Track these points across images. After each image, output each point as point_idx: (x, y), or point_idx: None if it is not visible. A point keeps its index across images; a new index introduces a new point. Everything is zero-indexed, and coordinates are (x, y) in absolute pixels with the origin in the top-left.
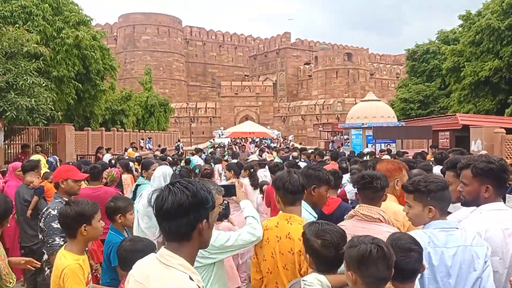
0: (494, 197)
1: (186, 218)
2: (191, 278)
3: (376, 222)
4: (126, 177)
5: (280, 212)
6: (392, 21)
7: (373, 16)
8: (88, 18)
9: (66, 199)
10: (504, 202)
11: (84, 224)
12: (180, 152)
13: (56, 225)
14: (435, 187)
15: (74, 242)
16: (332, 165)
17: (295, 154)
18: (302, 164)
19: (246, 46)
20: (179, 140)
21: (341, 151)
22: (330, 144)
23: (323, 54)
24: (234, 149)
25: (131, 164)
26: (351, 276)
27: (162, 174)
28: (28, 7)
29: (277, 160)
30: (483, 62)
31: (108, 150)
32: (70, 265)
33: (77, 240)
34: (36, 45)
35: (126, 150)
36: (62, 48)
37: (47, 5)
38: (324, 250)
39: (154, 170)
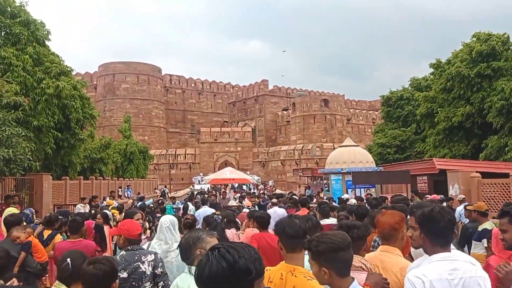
0: (430, 246)
1: (227, 284)
2: None
3: (358, 270)
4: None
5: (282, 262)
6: (363, 67)
7: (344, 62)
8: (68, 69)
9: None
10: (469, 249)
11: None
12: (160, 201)
13: None
14: (325, 248)
15: None
16: (302, 211)
17: (274, 200)
18: (281, 211)
19: (225, 93)
20: (165, 186)
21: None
22: (307, 190)
23: (301, 101)
24: (215, 193)
25: (109, 213)
26: None
27: (171, 223)
28: (7, 58)
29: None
30: (455, 108)
31: (83, 199)
32: None
33: None
34: (15, 96)
35: (104, 199)
36: (42, 98)
37: (27, 56)
38: None
39: (138, 219)
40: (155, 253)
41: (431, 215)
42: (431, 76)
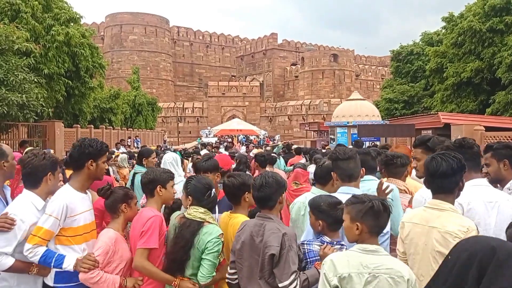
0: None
1: (454, 177)
2: None
3: (401, 193)
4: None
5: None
6: (367, 21)
7: (347, 15)
8: (78, 16)
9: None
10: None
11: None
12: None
13: None
14: (333, 157)
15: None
16: (297, 158)
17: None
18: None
19: (233, 47)
20: (165, 142)
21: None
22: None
23: (310, 55)
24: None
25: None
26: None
27: (173, 159)
28: (16, 4)
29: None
30: (465, 63)
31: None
32: None
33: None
34: (26, 43)
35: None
36: (53, 45)
37: (36, 2)
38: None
39: (154, 158)
40: None
41: (465, 141)
42: (443, 31)
